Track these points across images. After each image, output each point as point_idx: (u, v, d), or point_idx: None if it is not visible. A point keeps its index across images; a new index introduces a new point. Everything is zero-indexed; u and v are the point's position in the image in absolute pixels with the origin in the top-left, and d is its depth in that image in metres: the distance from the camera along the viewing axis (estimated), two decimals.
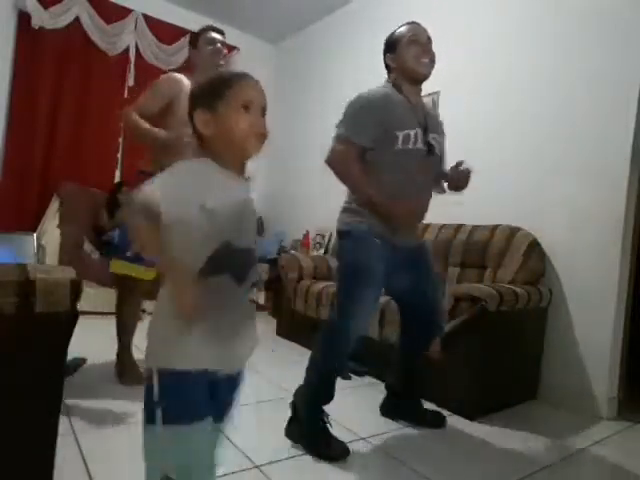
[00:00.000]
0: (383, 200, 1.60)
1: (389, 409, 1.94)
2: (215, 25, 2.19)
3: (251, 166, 0.95)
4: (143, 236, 0.86)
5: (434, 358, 1.90)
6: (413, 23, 1.74)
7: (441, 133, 1.80)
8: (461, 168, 1.75)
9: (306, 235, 4.12)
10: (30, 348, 0.97)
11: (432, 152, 1.69)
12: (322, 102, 4.08)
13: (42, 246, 3.10)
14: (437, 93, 2.99)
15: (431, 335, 1.88)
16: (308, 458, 1.52)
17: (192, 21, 3.92)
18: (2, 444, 0.96)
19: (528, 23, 2.61)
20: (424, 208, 1.76)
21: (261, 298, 4.07)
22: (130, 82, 4.07)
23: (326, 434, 1.60)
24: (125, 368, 2.05)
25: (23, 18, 3.58)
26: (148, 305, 3.27)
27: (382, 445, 1.67)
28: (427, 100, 1.94)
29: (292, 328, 3.19)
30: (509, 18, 2.72)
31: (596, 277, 2.20)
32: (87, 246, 3.44)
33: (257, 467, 1.42)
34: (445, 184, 1.85)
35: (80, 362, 2.10)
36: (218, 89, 0.88)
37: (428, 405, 1.98)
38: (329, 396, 1.65)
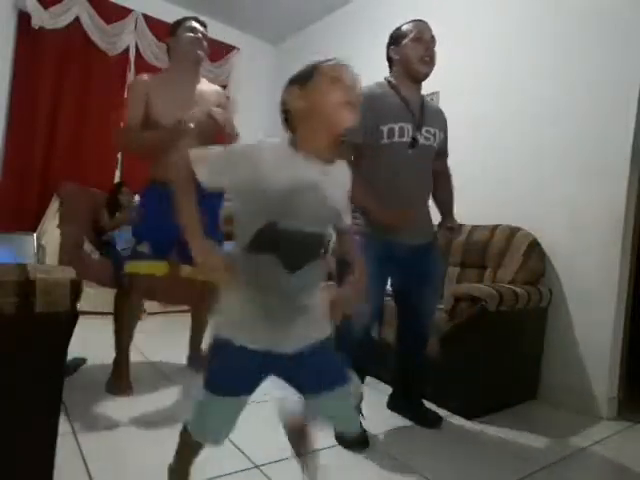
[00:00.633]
0: (373, 204, 1.63)
1: (395, 405, 1.96)
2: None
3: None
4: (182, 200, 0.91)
5: (432, 355, 1.92)
6: (420, 21, 1.77)
7: (440, 128, 1.80)
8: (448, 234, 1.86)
9: None
10: (30, 348, 0.97)
11: (415, 145, 1.69)
12: None
13: (42, 246, 3.10)
14: (437, 93, 2.99)
15: (425, 336, 1.88)
16: None
17: None
18: (2, 444, 0.96)
19: (528, 23, 2.61)
20: (415, 206, 1.74)
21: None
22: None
23: None
24: (118, 375, 1.97)
25: (23, 18, 3.57)
26: (148, 306, 3.28)
27: (382, 445, 1.67)
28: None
29: None
30: (509, 18, 2.72)
31: (596, 277, 2.20)
32: (87, 246, 3.44)
33: (257, 467, 1.42)
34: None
35: (80, 362, 2.10)
36: (311, 68, 0.95)
37: (428, 405, 1.97)
38: None
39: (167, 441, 1.11)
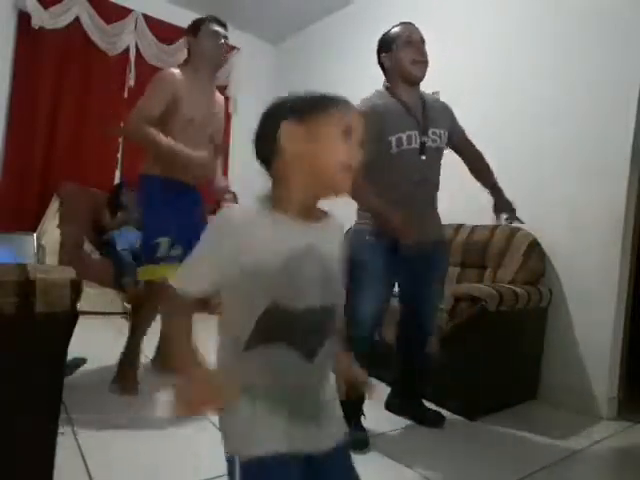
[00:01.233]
0: (382, 211, 1.63)
1: (393, 406, 1.96)
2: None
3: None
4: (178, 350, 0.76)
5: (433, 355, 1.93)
6: (407, 23, 1.77)
7: (445, 126, 1.81)
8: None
9: None
10: (30, 348, 0.98)
11: (424, 151, 1.71)
12: None
13: (42, 246, 3.10)
14: (437, 93, 2.98)
15: (427, 336, 1.88)
16: None
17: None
18: (2, 444, 0.96)
19: (528, 23, 2.61)
20: (428, 209, 1.78)
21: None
22: (130, 82, 4.07)
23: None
24: (124, 375, 1.97)
25: (23, 18, 3.57)
26: None
27: (382, 445, 1.67)
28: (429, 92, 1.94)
29: None
30: (509, 18, 2.72)
31: (596, 277, 2.20)
32: (87, 246, 3.44)
33: None
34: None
35: (80, 362, 2.10)
36: (321, 102, 0.76)
37: (428, 405, 1.97)
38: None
39: (167, 441, 1.11)
